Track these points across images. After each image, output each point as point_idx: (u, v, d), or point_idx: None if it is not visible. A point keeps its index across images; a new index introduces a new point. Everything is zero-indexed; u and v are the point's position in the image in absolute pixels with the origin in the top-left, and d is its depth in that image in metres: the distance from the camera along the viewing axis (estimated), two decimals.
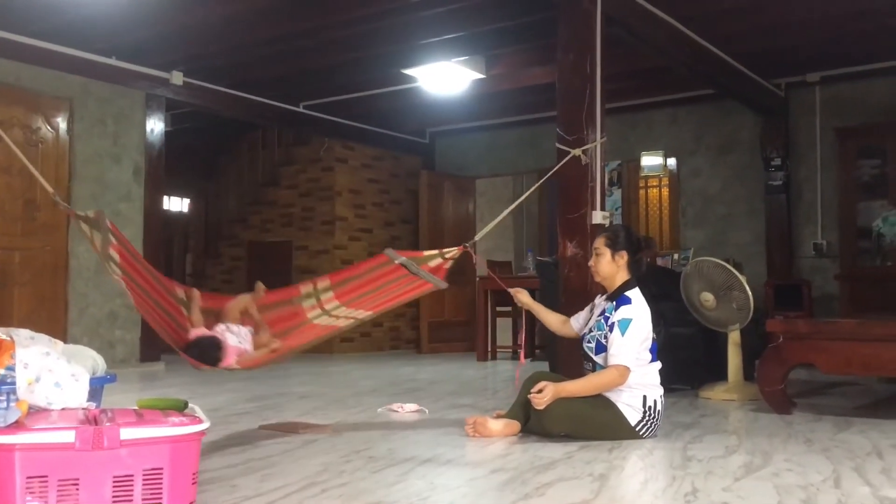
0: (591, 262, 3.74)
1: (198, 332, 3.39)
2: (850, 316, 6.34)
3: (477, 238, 4.10)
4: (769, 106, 7.83)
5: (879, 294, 6.64)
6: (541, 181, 4.84)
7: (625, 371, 3.41)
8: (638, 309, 3.50)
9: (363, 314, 3.69)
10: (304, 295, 3.68)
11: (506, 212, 4.37)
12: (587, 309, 3.81)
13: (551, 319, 3.98)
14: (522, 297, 3.93)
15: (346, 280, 3.70)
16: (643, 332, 3.48)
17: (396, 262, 3.64)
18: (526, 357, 8.00)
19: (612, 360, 3.43)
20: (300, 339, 3.64)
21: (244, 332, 3.48)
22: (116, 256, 3.14)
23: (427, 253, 3.76)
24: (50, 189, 3.46)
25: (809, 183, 7.92)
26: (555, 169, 4.75)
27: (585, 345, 3.61)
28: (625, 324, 3.44)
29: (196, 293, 3.59)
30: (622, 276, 3.63)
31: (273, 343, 3.50)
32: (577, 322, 3.84)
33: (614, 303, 3.55)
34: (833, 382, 5.66)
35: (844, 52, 7.10)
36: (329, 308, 3.65)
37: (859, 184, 7.42)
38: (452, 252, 3.73)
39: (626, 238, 3.67)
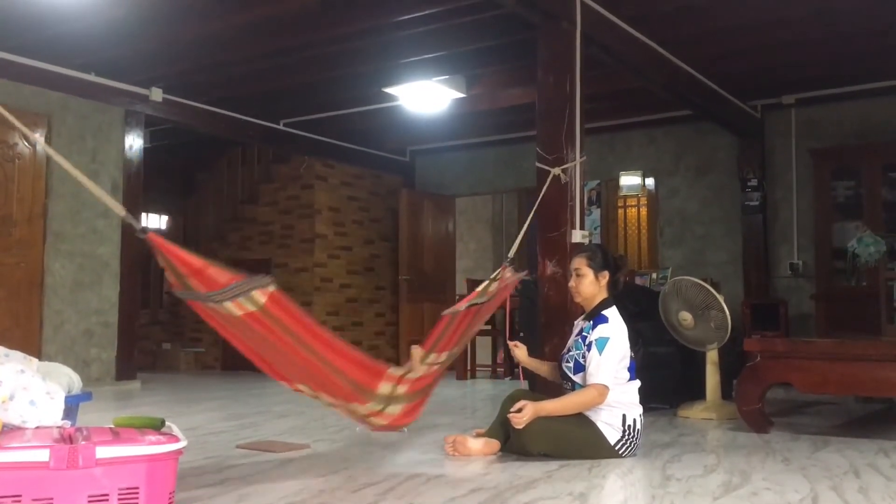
0: (571, 283, 3.75)
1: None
2: (825, 335, 6.41)
3: (511, 254, 4.09)
4: (746, 127, 7.93)
5: (854, 314, 6.70)
6: (535, 205, 4.78)
7: (603, 390, 3.41)
8: (615, 327, 3.51)
9: (455, 349, 3.75)
10: (419, 361, 3.55)
11: (526, 223, 4.49)
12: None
13: (545, 369, 3.93)
14: (520, 354, 3.88)
15: (437, 341, 3.58)
16: (621, 351, 3.49)
17: (462, 309, 3.62)
18: (510, 376, 8.04)
19: (591, 379, 3.43)
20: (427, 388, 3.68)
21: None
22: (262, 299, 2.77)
23: (481, 288, 3.78)
24: (135, 223, 2.81)
25: (785, 203, 8.01)
26: (542, 192, 4.73)
27: (564, 364, 3.61)
28: (602, 342, 3.45)
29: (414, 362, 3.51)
30: (601, 295, 3.65)
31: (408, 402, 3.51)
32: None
33: (591, 322, 3.56)
34: (810, 401, 5.70)
35: (819, 75, 7.22)
36: (441, 360, 3.64)
37: (834, 205, 7.51)
38: (498, 273, 3.84)
39: (604, 258, 3.69)
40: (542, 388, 4.23)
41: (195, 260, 2.65)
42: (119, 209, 2.75)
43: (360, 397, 3.29)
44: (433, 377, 3.63)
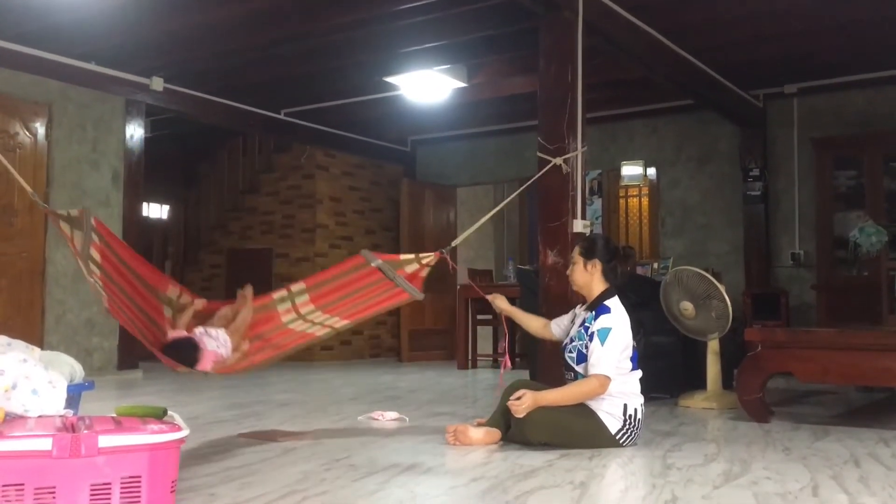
0: (568, 271, 3.76)
1: (175, 333, 3.38)
2: (826, 325, 6.41)
3: (454, 244, 4.03)
4: (748, 117, 7.91)
5: (856, 304, 6.70)
6: (521, 189, 4.82)
7: (605, 380, 3.42)
8: (617, 318, 3.51)
9: (340, 323, 3.64)
10: (279, 299, 3.61)
11: (484, 219, 4.34)
12: (569, 316, 3.81)
13: (532, 323, 3.98)
14: (500, 302, 3.94)
15: (322, 283, 3.62)
16: (623, 341, 3.49)
17: (373, 264, 3.54)
18: (505, 368, 8.04)
19: (593, 370, 3.43)
20: (276, 345, 3.59)
21: (223, 337, 3.45)
22: (97, 256, 3.11)
23: (404, 257, 3.66)
24: (29, 189, 3.43)
25: (787, 193, 8.00)
26: (536, 177, 4.76)
27: (567, 355, 3.61)
28: (604, 333, 3.45)
29: (199, 302, 3.60)
30: (598, 285, 3.64)
31: (243, 345, 3.46)
32: (557, 327, 3.84)
33: (594, 312, 3.56)
34: (811, 391, 5.71)
35: (821, 63, 7.20)
36: (304, 312, 3.59)
37: (836, 194, 7.50)
38: (429, 258, 3.61)
39: (603, 247, 3.69)
40: (543, 378, 4.24)
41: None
42: (27, 188, 3.37)
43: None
44: (283, 344, 3.65)
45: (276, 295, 3.63)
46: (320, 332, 3.64)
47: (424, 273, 3.62)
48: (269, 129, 8.86)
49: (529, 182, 4.77)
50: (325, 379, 7.08)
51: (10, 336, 2.84)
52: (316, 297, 3.58)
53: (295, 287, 3.62)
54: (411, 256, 3.64)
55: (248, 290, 3.62)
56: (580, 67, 4.92)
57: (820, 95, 7.83)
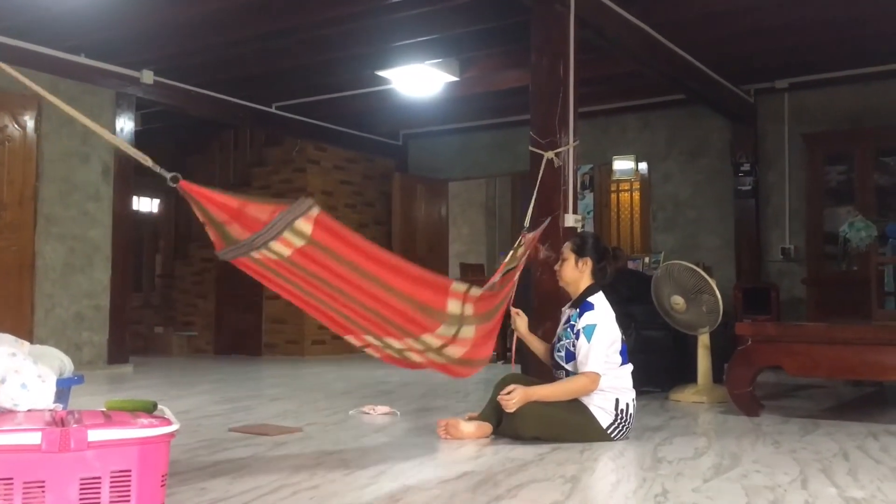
0: (556, 266, 3.76)
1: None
2: (816, 320, 6.44)
3: (526, 223, 4.02)
4: (739, 112, 7.93)
5: (845, 298, 6.73)
6: (534, 190, 4.67)
7: (595, 377, 3.42)
8: (601, 313, 3.52)
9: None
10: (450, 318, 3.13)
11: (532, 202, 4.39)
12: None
13: (542, 349, 3.89)
14: (521, 324, 3.83)
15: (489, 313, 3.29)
16: (609, 336, 3.49)
17: (497, 281, 3.42)
18: (503, 360, 8.03)
19: (582, 368, 3.44)
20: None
21: None
22: (308, 229, 2.53)
23: (507, 258, 3.65)
24: (149, 161, 2.53)
25: (778, 188, 8.02)
26: (539, 178, 4.67)
27: (556, 354, 3.62)
28: (590, 330, 3.46)
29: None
30: (585, 282, 3.64)
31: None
32: None
33: (578, 310, 3.56)
34: (800, 385, 5.74)
35: (812, 59, 7.22)
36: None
37: (826, 189, 7.53)
38: (519, 241, 3.75)
39: (593, 246, 3.69)
40: (534, 373, 4.24)
41: (232, 200, 2.51)
42: (146, 159, 2.50)
43: (431, 323, 3.05)
44: (499, 297, 3.41)
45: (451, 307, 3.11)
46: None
47: (529, 246, 3.76)
48: (261, 122, 8.84)
49: (538, 183, 4.70)
50: (316, 373, 7.07)
51: None
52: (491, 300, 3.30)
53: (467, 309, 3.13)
54: (510, 252, 3.69)
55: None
56: (572, 61, 4.92)
57: (810, 91, 7.85)
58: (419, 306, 2.98)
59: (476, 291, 3.14)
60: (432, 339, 3.13)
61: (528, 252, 3.84)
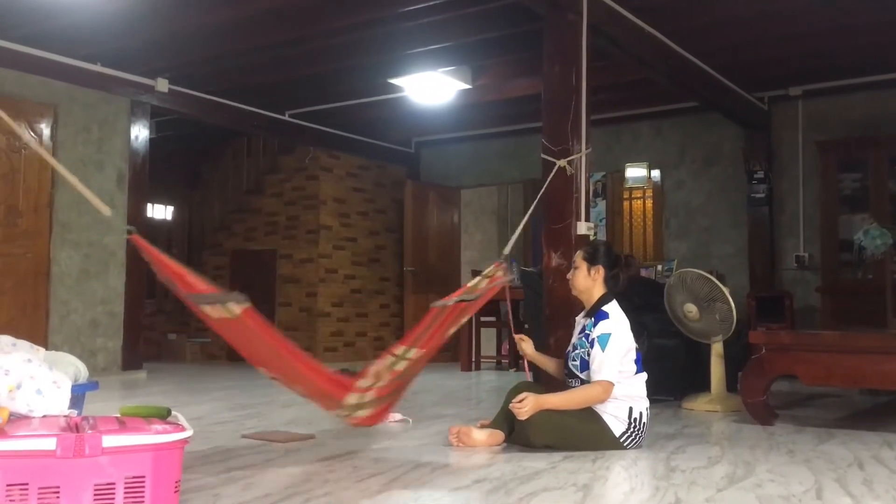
0: (569, 275, 3.76)
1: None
2: (831, 328, 6.39)
3: (505, 251, 4.01)
4: (752, 119, 7.90)
5: (860, 307, 6.69)
6: (537, 198, 4.74)
7: (608, 386, 3.41)
8: (616, 322, 3.51)
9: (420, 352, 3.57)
10: (390, 363, 3.48)
11: (525, 219, 4.48)
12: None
13: (551, 365, 3.89)
14: (527, 347, 3.85)
15: (419, 337, 3.49)
16: (624, 345, 3.49)
17: (451, 304, 3.53)
18: (515, 368, 8.02)
19: (595, 376, 3.43)
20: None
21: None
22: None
23: (472, 283, 3.70)
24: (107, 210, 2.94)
25: (792, 196, 7.99)
26: (546, 183, 4.70)
27: (570, 363, 3.61)
28: (604, 339, 3.45)
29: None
30: (598, 290, 3.64)
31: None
32: None
33: (593, 319, 3.56)
34: (814, 394, 5.70)
35: (826, 66, 7.18)
36: (407, 355, 3.51)
37: (841, 197, 7.49)
38: (490, 270, 3.73)
39: (606, 254, 3.69)
40: (546, 381, 4.23)
41: (175, 265, 2.89)
42: (105, 210, 2.87)
43: (328, 403, 3.45)
44: (405, 381, 3.61)
45: (389, 359, 3.48)
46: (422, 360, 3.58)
47: (492, 284, 3.71)
48: (274, 130, 8.88)
49: (542, 190, 4.72)
50: None
51: (15, 336, 2.85)
52: (421, 345, 3.49)
53: (398, 350, 3.47)
54: (476, 280, 3.70)
55: None
56: (584, 69, 4.92)
57: (825, 98, 7.82)
58: (319, 391, 3.37)
59: (381, 384, 3.42)
60: (330, 405, 3.47)
61: (489, 289, 3.69)
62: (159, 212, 11.37)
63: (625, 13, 5.57)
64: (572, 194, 4.79)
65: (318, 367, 3.34)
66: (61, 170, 3.03)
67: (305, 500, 2.48)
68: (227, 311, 2.89)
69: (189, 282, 2.88)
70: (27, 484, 1.97)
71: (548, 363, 3.91)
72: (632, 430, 3.46)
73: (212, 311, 2.92)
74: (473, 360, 8.27)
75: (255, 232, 9.74)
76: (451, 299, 3.57)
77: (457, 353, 8.74)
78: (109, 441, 2.04)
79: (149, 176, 7.53)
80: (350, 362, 9.12)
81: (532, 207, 4.69)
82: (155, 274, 2.92)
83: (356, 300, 9.50)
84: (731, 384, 5.17)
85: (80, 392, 2.87)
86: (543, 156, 4.88)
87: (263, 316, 3.04)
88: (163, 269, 2.87)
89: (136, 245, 2.80)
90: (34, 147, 2.86)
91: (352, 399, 3.38)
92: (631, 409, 3.46)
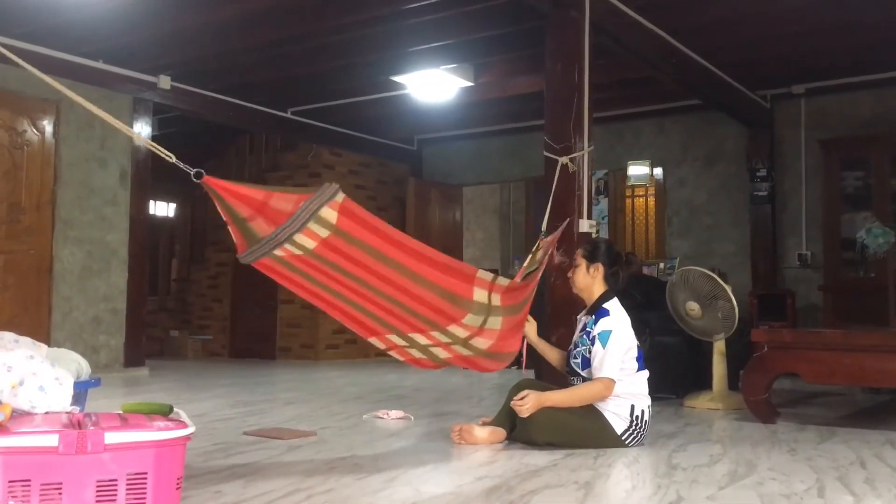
0: (569, 273, 3.77)
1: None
2: (833, 326, 6.39)
3: (543, 228, 4.16)
4: (755, 117, 7.89)
5: (862, 305, 6.68)
6: (550, 197, 4.70)
7: (609, 383, 3.41)
8: (617, 320, 3.51)
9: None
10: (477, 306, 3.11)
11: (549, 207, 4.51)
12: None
13: (553, 355, 3.90)
14: (530, 330, 3.83)
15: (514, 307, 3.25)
16: (625, 343, 3.49)
17: (520, 281, 3.39)
18: (516, 365, 7.99)
19: (597, 373, 3.43)
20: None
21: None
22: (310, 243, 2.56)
23: (527, 263, 3.68)
24: (172, 157, 2.60)
25: (794, 194, 7.98)
26: (554, 185, 4.67)
27: (572, 360, 3.61)
28: (605, 336, 3.45)
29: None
30: (599, 288, 3.65)
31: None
32: None
33: (593, 316, 3.56)
34: (817, 392, 5.69)
35: (829, 64, 7.17)
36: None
37: (843, 195, 7.48)
38: (538, 245, 3.79)
39: (605, 251, 3.69)
40: (548, 378, 4.23)
41: (257, 192, 2.48)
42: (169, 156, 2.54)
43: (457, 312, 3.02)
44: (524, 292, 3.38)
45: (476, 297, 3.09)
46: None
47: (548, 249, 3.80)
48: (276, 127, 8.88)
49: (553, 190, 4.70)
50: (329, 377, 7.09)
51: (18, 333, 2.86)
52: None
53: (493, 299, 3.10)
54: (529, 256, 3.70)
55: None
56: (587, 67, 4.92)
57: (827, 96, 7.80)
58: (445, 294, 2.94)
59: (503, 281, 3.14)
60: (459, 330, 3.11)
61: (547, 254, 3.88)
62: (162, 209, 11.38)
63: (627, 11, 5.57)
64: (574, 192, 4.79)
65: (432, 253, 2.89)
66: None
67: (307, 497, 2.48)
68: (323, 224, 2.50)
69: (275, 209, 2.46)
70: (30, 480, 1.97)
71: (548, 351, 3.92)
72: (633, 427, 3.46)
73: (308, 241, 2.50)
74: None
75: None
76: (518, 279, 3.55)
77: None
78: (112, 438, 2.05)
79: (151, 173, 7.53)
80: (352, 360, 9.14)
81: (550, 199, 4.64)
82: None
83: None
84: (732, 382, 5.17)
85: (82, 389, 2.87)
86: (546, 153, 4.87)
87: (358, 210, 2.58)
88: (244, 206, 2.46)
89: (208, 187, 2.44)
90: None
91: (480, 296, 3.00)
92: (633, 406, 3.46)
